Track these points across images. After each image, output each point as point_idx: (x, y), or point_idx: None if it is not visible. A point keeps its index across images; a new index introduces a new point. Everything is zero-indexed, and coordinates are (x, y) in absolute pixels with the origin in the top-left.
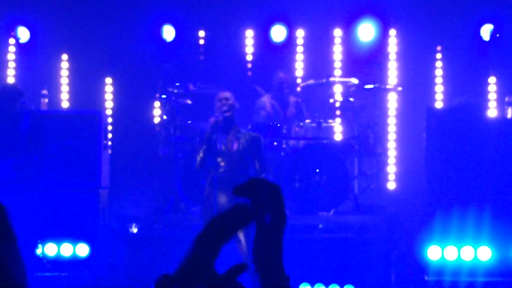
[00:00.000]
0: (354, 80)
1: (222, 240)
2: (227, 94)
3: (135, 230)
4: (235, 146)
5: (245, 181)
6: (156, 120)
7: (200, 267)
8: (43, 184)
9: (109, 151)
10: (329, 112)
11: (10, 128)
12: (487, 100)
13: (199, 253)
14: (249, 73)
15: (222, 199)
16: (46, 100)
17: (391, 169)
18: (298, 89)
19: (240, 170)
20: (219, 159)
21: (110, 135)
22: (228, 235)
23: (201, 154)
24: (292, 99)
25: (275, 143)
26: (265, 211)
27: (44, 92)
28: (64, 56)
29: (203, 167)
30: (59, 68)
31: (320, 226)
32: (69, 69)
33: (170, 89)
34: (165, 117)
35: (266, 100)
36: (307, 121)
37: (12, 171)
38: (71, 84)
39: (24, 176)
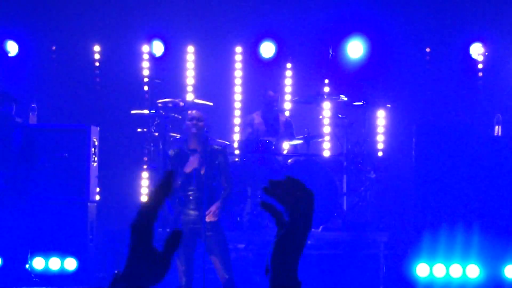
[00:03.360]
0: (343, 97)
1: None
2: (199, 114)
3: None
4: (203, 168)
5: (280, 178)
6: (145, 135)
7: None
8: (32, 198)
9: (97, 165)
10: (318, 129)
11: (2, 141)
12: (476, 118)
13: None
14: (239, 88)
15: (191, 217)
16: (35, 113)
17: (380, 186)
18: (288, 105)
19: (207, 189)
20: (186, 178)
21: (98, 150)
22: None
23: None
24: (281, 116)
25: (264, 160)
26: (297, 215)
27: (33, 105)
28: (53, 70)
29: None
30: (47, 82)
31: (309, 242)
32: (57, 82)
33: (159, 104)
34: (154, 131)
35: (255, 116)
36: (298, 137)
37: (4, 184)
38: (60, 97)
39: (15, 189)
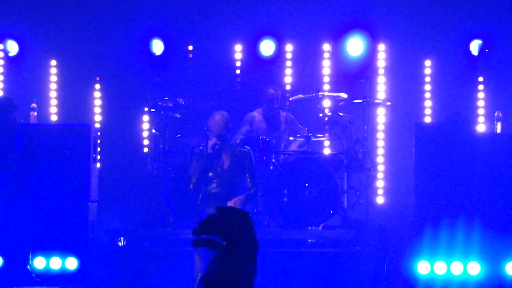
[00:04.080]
0: (343, 95)
1: None
2: (220, 119)
3: (122, 243)
4: (226, 163)
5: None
6: (145, 134)
7: None
8: (33, 198)
9: (98, 165)
10: (318, 127)
11: (4, 142)
12: (476, 115)
13: None
14: (238, 87)
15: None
16: (35, 113)
17: (380, 183)
18: (287, 103)
19: (230, 186)
20: (210, 175)
21: (99, 149)
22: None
23: (197, 176)
24: (282, 114)
25: (264, 158)
26: (232, 237)
27: (33, 105)
28: (53, 70)
29: (197, 189)
30: (47, 81)
31: (310, 240)
32: (57, 82)
33: (159, 103)
34: (154, 130)
35: (256, 114)
36: (297, 136)
37: (6, 184)
38: (60, 97)
39: (17, 189)
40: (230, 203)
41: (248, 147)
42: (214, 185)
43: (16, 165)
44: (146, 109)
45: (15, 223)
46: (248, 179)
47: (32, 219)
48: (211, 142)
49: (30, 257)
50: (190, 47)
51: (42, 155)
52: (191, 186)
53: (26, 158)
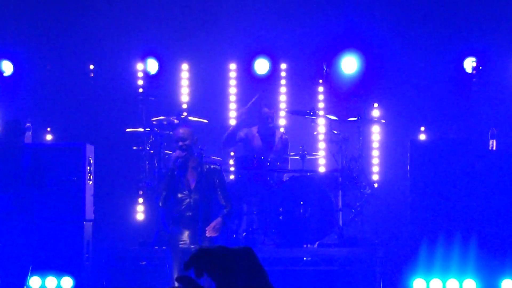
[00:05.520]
0: (333, 117)
1: None
2: (183, 133)
3: None
4: (193, 183)
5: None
6: (140, 152)
7: None
8: (35, 219)
9: (92, 184)
10: (313, 145)
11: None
12: (471, 132)
13: None
14: (233, 105)
15: (185, 236)
16: (30, 133)
17: (375, 201)
18: (283, 121)
19: (202, 207)
20: (180, 196)
21: (93, 168)
22: None
23: (164, 193)
24: (277, 132)
25: (259, 176)
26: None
27: (28, 125)
28: (48, 89)
29: (167, 204)
30: (42, 101)
31: (305, 258)
32: (52, 101)
33: (154, 122)
34: (148, 149)
35: (253, 129)
36: (291, 153)
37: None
38: (55, 116)
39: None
40: (208, 229)
41: (217, 165)
42: (185, 207)
43: (22, 187)
44: (140, 128)
45: (15, 243)
46: (221, 197)
47: (30, 239)
48: (174, 155)
49: (28, 277)
50: (185, 66)
51: (48, 177)
52: (160, 203)
53: (32, 180)
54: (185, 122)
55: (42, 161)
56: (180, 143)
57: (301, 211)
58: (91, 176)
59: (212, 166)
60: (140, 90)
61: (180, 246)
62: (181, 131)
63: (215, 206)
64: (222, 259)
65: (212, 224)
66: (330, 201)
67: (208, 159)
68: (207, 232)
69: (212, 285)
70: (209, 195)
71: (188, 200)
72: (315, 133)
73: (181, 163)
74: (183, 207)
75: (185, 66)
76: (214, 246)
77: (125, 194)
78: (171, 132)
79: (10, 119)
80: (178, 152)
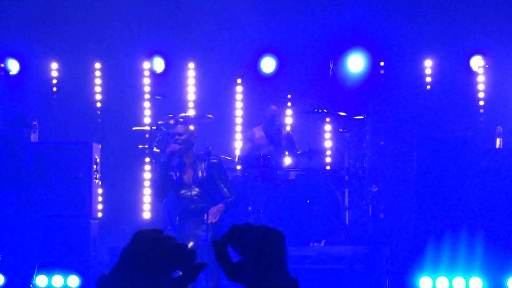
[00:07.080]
0: (342, 114)
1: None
2: (181, 129)
3: None
4: (192, 178)
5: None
6: (147, 151)
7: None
8: (39, 217)
9: (99, 182)
10: (319, 144)
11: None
12: (477, 130)
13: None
14: (240, 104)
15: (192, 230)
16: (36, 131)
17: (382, 199)
18: (289, 120)
19: (207, 200)
20: (182, 192)
21: (100, 166)
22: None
23: (155, 189)
24: (284, 131)
25: (265, 174)
26: (246, 255)
27: (34, 123)
28: (54, 88)
29: (164, 199)
30: (48, 100)
31: (312, 256)
32: (58, 100)
33: (160, 121)
34: (155, 148)
35: (256, 131)
36: (298, 152)
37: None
38: (60, 115)
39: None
40: (210, 213)
41: (216, 159)
42: (187, 203)
43: (26, 184)
44: (147, 126)
45: (21, 241)
46: (224, 189)
47: (36, 237)
48: (168, 149)
49: (34, 276)
50: (191, 65)
51: (53, 175)
52: (156, 199)
53: (36, 177)
54: (189, 120)
55: (48, 159)
56: (176, 137)
57: (308, 209)
58: (98, 175)
59: (211, 161)
60: (147, 88)
61: (188, 240)
62: (179, 126)
63: (221, 200)
64: (256, 237)
65: (213, 209)
66: (336, 200)
67: (205, 155)
68: (209, 218)
69: (208, 284)
70: (211, 189)
71: (189, 196)
72: (321, 131)
73: (177, 159)
74: (185, 203)
75: (191, 65)
76: (248, 224)
77: (131, 192)
78: None
79: (17, 113)
80: (172, 146)
